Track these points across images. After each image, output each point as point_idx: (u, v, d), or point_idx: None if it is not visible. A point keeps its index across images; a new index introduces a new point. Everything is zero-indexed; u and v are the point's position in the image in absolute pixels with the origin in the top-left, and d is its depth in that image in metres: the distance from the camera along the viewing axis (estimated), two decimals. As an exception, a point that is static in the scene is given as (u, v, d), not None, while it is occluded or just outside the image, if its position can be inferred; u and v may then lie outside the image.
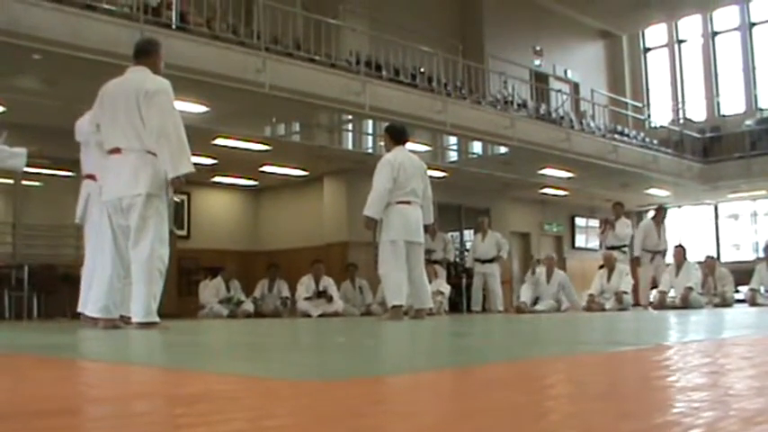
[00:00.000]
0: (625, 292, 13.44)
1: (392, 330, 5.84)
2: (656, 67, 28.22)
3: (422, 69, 15.75)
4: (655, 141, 22.75)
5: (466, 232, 20.11)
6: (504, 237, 16.23)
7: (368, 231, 9.29)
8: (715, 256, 18.55)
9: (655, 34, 28.24)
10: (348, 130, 16.16)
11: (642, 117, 25.78)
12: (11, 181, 13.82)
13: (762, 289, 14.65)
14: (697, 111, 26.92)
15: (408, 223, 8.66)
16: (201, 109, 12.19)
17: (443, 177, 16.79)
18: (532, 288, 14.30)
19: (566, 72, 24.98)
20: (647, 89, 28.26)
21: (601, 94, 23.64)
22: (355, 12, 15.90)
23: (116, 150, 6.08)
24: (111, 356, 3.54)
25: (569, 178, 19.95)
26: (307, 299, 14.04)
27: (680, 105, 27.34)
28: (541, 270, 14.45)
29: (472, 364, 2.69)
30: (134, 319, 5.94)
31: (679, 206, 25.71)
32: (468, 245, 18.19)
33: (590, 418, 1.32)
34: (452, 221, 19.62)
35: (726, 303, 14.06)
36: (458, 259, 17.68)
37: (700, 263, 14.52)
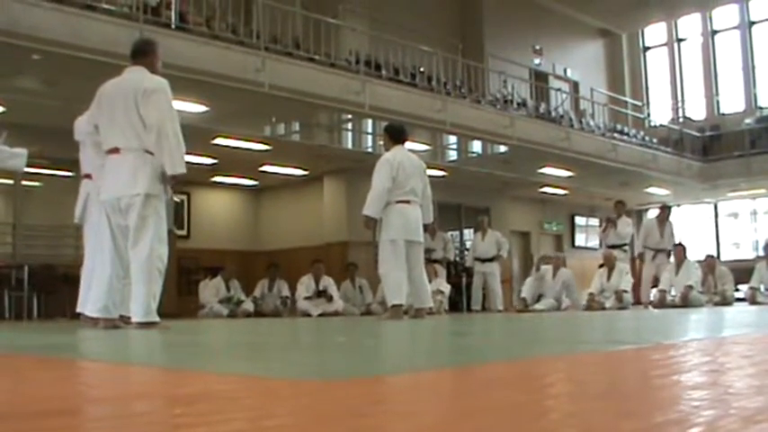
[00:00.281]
0: (625, 291, 13.45)
1: (392, 330, 5.84)
2: (656, 65, 28.22)
3: (421, 69, 15.75)
4: (654, 140, 22.76)
5: (466, 231, 20.10)
6: (504, 236, 16.23)
7: (368, 231, 9.29)
8: (715, 254, 18.55)
9: (654, 33, 28.24)
10: (348, 130, 16.16)
11: (642, 116, 25.78)
12: (11, 181, 13.84)
13: (762, 287, 14.65)
14: (696, 109, 26.93)
15: (408, 222, 8.66)
16: (201, 109, 12.19)
17: (443, 176, 16.80)
18: (536, 285, 14.31)
19: (565, 71, 24.98)
20: (647, 88, 28.27)
21: (600, 92, 23.63)
22: (355, 11, 15.90)
23: (115, 150, 6.08)
24: (110, 356, 3.54)
25: (569, 177, 19.95)
26: (307, 298, 14.04)
27: (679, 104, 27.35)
28: (547, 267, 14.46)
29: (472, 364, 2.69)
30: (134, 319, 5.94)
31: (679, 205, 25.69)
32: (468, 244, 18.19)
33: (590, 417, 1.32)
34: (452, 221, 19.61)
35: (726, 302, 14.05)
36: (458, 258, 17.67)
37: (700, 261, 14.52)
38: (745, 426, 1.14)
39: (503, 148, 17.89)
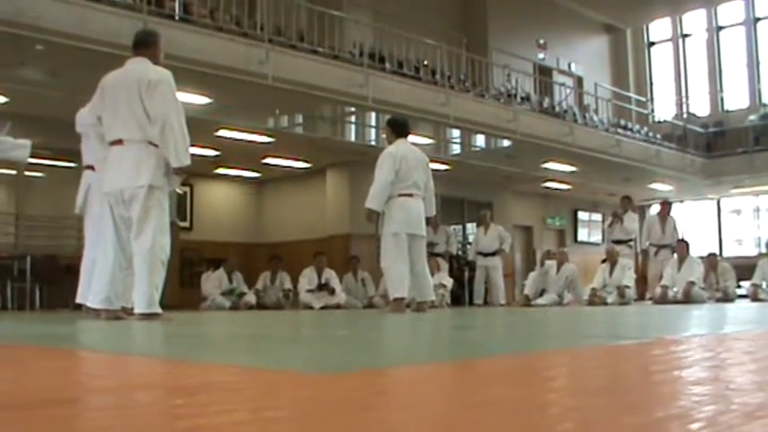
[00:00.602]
0: (627, 287, 13.46)
1: (394, 323, 5.84)
2: (660, 61, 28.19)
3: (425, 62, 15.73)
4: (658, 136, 22.71)
5: (468, 225, 20.10)
6: (507, 230, 16.23)
7: (370, 224, 9.28)
8: (717, 251, 18.56)
9: (659, 28, 28.20)
10: (351, 123, 16.16)
11: (645, 111, 25.75)
12: (13, 172, 13.84)
13: (764, 284, 14.66)
14: (700, 105, 26.91)
15: (410, 216, 8.66)
16: (204, 100, 12.19)
17: (446, 170, 16.80)
18: (539, 280, 14.33)
19: (569, 66, 24.95)
20: (651, 83, 28.23)
21: (604, 88, 23.60)
22: (359, 4, 15.88)
23: (118, 142, 6.07)
24: (112, 347, 3.55)
25: (572, 172, 19.94)
26: (309, 291, 14.05)
27: (683, 100, 27.32)
28: (551, 263, 14.48)
29: (474, 357, 2.69)
30: (136, 310, 5.94)
31: (681, 201, 25.68)
32: (471, 238, 18.19)
33: (591, 412, 1.32)
34: (455, 214, 19.61)
35: (728, 298, 14.06)
36: (460, 252, 17.67)
37: (702, 258, 14.52)
38: (746, 421, 1.14)
39: (506, 143, 17.87)
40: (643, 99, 26.43)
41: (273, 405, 1.46)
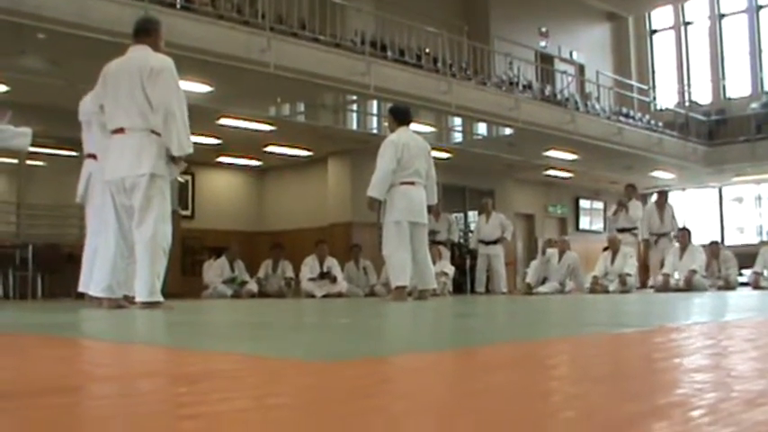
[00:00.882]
0: (629, 275, 13.46)
1: (396, 311, 5.84)
2: (662, 49, 28.16)
3: (427, 50, 15.72)
4: (660, 124, 22.71)
5: (470, 213, 20.12)
6: (509, 218, 16.24)
7: (372, 212, 9.29)
8: (719, 239, 18.56)
9: (661, 16, 28.17)
10: (353, 111, 16.15)
11: (647, 99, 25.72)
12: (15, 161, 13.84)
13: (765, 272, 14.67)
14: (703, 93, 26.90)
15: (412, 204, 8.67)
16: (206, 89, 12.18)
17: (448, 158, 16.80)
18: (541, 269, 14.33)
19: (571, 54, 24.91)
20: (653, 71, 28.21)
21: (606, 76, 23.60)
22: (361, -9, 15.88)
23: (120, 130, 6.07)
24: (114, 336, 3.55)
25: (574, 160, 19.94)
26: (311, 279, 14.06)
27: (685, 88, 27.29)
28: (553, 251, 14.48)
29: (476, 345, 2.69)
30: (138, 299, 5.95)
31: (683, 189, 25.69)
32: (473, 226, 18.19)
33: (593, 399, 1.32)
34: (457, 203, 19.60)
35: (729, 286, 14.07)
36: (462, 240, 17.67)
37: (704, 246, 14.53)
38: (747, 408, 1.14)
39: (508, 131, 17.87)
40: (645, 87, 26.39)
41: (275, 393, 1.46)
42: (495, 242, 15.34)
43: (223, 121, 13.85)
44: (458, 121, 17.73)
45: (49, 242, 13.41)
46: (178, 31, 9.94)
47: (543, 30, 23.73)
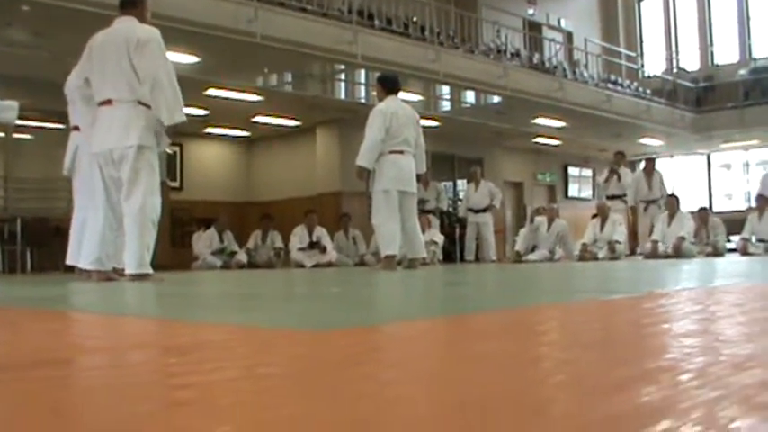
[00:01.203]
0: (618, 242, 13.49)
1: (386, 280, 5.86)
2: (650, 15, 28.10)
3: (414, 18, 15.66)
4: (648, 91, 22.71)
5: (459, 182, 20.12)
6: (497, 186, 16.25)
7: (361, 181, 9.28)
8: (707, 206, 18.61)
9: (649, -18, 28.09)
10: (341, 80, 16.11)
11: (635, 66, 25.68)
12: (1, 134, 13.78)
13: (753, 239, 14.71)
14: (691, 60, 26.89)
15: (401, 173, 8.67)
16: (193, 59, 12.14)
17: (436, 127, 16.78)
18: (530, 237, 14.34)
19: (559, 21, 24.86)
20: (641, 38, 28.17)
21: (594, 43, 23.56)
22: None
23: (107, 102, 6.04)
24: (104, 308, 3.55)
25: (562, 128, 19.95)
26: (300, 249, 14.06)
27: (673, 55, 27.26)
28: (542, 219, 14.49)
29: (466, 313, 2.70)
30: (127, 271, 5.94)
31: (672, 156, 25.72)
32: (462, 194, 18.20)
33: (582, 365, 1.33)
34: (445, 171, 19.60)
35: (718, 253, 14.12)
36: (451, 209, 17.69)
37: (693, 213, 14.57)
38: (735, 372, 1.15)
39: (496, 99, 17.86)
40: (633, 54, 26.36)
41: (266, 362, 1.46)
42: (484, 210, 15.35)
43: (211, 92, 13.81)
44: (446, 89, 17.72)
45: (38, 216, 13.39)
46: (164, 2, 9.85)
47: (531, -3, 23.66)
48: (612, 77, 22.10)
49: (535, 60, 19.16)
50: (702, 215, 14.85)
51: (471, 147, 20.02)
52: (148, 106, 5.93)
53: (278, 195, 18.36)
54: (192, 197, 17.88)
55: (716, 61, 26.33)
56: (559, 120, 19.15)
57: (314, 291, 4.78)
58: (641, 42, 28.08)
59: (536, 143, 21.92)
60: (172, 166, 16.82)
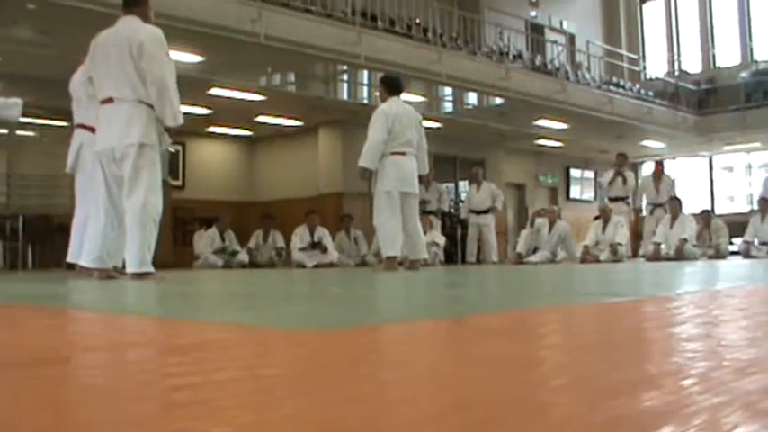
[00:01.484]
0: (620, 244, 13.47)
1: (387, 281, 5.85)
2: (652, 18, 28.07)
3: (417, 20, 15.65)
4: (650, 93, 22.70)
5: (461, 183, 20.11)
6: (499, 188, 16.24)
7: (363, 182, 9.29)
8: (710, 209, 18.61)
9: (651, -15, 28.08)
10: (343, 81, 16.10)
11: (637, 69, 25.66)
12: (5, 131, 13.77)
13: (755, 241, 14.72)
14: (692, 62, 26.86)
15: (403, 174, 8.67)
16: (196, 59, 12.13)
17: (438, 128, 16.78)
18: (531, 238, 14.33)
19: (561, 23, 24.83)
20: (643, 41, 28.14)
21: (596, 45, 23.54)
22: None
23: (109, 100, 6.04)
24: (105, 306, 3.55)
25: (564, 130, 19.94)
26: (301, 249, 14.04)
27: (675, 57, 27.25)
28: (543, 221, 14.47)
29: (467, 314, 2.70)
30: (128, 270, 5.94)
31: (674, 158, 25.71)
32: (463, 196, 18.19)
33: (584, 368, 1.32)
34: (447, 172, 19.57)
35: (720, 255, 14.12)
36: (452, 210, 17.68)
37: (696, 215, 14.56)
38: (737, 377, 1.15)
39: (498, 101, 17.85)
40: (635, 56, 26.33)
41: (267, 362, 1.46)
42: (485, 212, 15.34)
43: (214, 91, 13.81)
44: (448, 90, 17.70)
45: (40, 213, 13.38)
46: (169, 2, 9.86)
47: (533, -1, 23.66)
48: (614, 79, 22.09)
49: (537, 62, 19.15)
50: (705, 218, 14.85)
51: (473, 148, 20.01)
52: (150, 105, 5.94)
53: (280, 195, 18.35)
54: (194, 196, 17.86)
55: (718, 63, 26.30)
56: (561, 121, 19.14)
57: (315, 291, 4.78)
58: (643, 44, 28.05)
59: (538, 145, 21.91)
60: (174, 165, 16.81)
